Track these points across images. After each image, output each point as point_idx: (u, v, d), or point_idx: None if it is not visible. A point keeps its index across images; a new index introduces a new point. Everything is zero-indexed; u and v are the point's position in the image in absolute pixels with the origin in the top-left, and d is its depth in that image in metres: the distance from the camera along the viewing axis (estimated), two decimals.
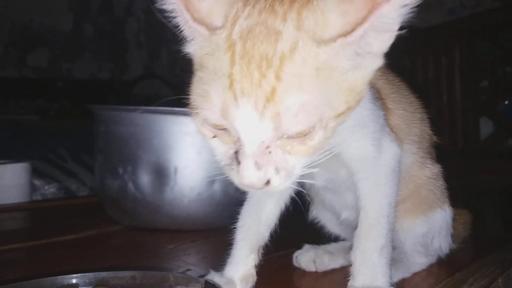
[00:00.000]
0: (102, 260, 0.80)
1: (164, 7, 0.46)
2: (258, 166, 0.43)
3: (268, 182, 0.44)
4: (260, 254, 0.63)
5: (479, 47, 2.44)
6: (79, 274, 0.53)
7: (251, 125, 0.42)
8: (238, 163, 0.44)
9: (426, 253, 0.71)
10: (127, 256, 0.83)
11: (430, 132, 0.74)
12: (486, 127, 2.42)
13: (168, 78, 3.65)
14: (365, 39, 0.42)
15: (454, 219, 0.91)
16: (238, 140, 0.44)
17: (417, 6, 0.42)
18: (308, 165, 0.47)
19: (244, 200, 0.99)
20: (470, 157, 2.34)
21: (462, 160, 2.32)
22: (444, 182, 0.73)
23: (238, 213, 1.00)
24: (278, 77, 0.41)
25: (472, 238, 0.90)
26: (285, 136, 0.43)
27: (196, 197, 0.94)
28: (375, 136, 0.58)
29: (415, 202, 0.70)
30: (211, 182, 0.94)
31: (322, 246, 0.75)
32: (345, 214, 0.70)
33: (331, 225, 0.79)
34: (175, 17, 0.46)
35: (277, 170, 0.44)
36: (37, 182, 1.49)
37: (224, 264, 0.62)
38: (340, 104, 0.44)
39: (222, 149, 0.48)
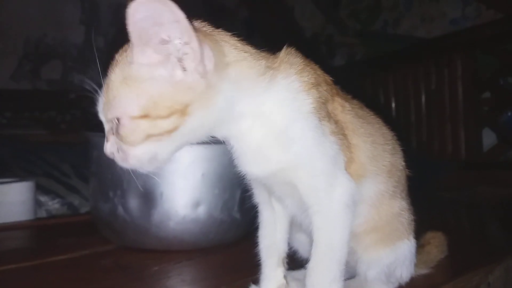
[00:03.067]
0: (89, 282, 0.85)
1: None
2: (109, 141, 0.61)
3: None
4: (285, 264, 0.74)
5: (481, 58, 2.44)
6: None
7: (100, 108, 0.61)
8: None
9: (388, 281, 0.73)
10: (113, 278, 0.88)
11: (403, 163, 0.77)
12: (488, 138, 2.42)
13: None
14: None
15: (429, 243, 0.95)
16: None
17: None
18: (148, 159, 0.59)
19: (227, 222, 1.05)
20: (473, 168, 2.35)
21: (465, 171, 2.33)
22: (410, 215, 0.76)
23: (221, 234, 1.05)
24: (109, 79, 0.59)
25: (449, 261, 0.93)
26: (111, 121, 0.59)
27: (181, 219, 0.99)
28: (327, 169, 0.62)
29: (386, 233, 0.73)
30: (196, 205, 0.99)
31: (291, 273, 0.77)
32: None
33: (303, 250, 0.82)
34: None
35: (118, 150, 0.60)
36: (42, 198, 1.56)
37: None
38: (136, 109, 0.57)
39: None
